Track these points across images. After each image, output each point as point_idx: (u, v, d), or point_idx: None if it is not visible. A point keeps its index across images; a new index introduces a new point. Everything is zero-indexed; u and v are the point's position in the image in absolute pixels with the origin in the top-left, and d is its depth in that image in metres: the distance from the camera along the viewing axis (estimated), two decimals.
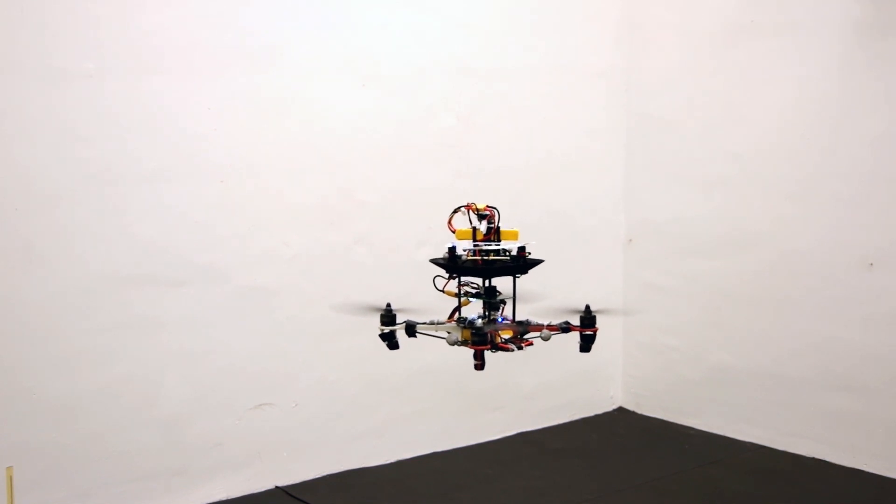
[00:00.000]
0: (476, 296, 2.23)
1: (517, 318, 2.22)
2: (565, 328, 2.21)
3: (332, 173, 3.85)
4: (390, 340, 2.28)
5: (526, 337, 2.21)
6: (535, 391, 4.55)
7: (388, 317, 2.29)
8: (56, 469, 3.29)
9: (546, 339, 2.20)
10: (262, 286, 3.70)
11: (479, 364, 2.20)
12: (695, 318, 4.54)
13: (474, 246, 2.18)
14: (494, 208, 2.20)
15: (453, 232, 2.22)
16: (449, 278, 2.25)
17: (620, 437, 4.49)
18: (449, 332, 2.22)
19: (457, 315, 2.25)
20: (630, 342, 4.86)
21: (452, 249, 2.15)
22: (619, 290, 4.84)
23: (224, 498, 3.65)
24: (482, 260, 2.15)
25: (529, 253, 2.20)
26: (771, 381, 4.22)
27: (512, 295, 2.22)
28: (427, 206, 4.13)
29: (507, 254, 2.18)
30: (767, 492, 3.73)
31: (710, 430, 4.45)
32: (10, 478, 2.98)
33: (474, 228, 2.19)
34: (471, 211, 2.20)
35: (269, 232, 3.71)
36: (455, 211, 2.20)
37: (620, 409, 4.87)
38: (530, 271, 2.28)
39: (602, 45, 4.66)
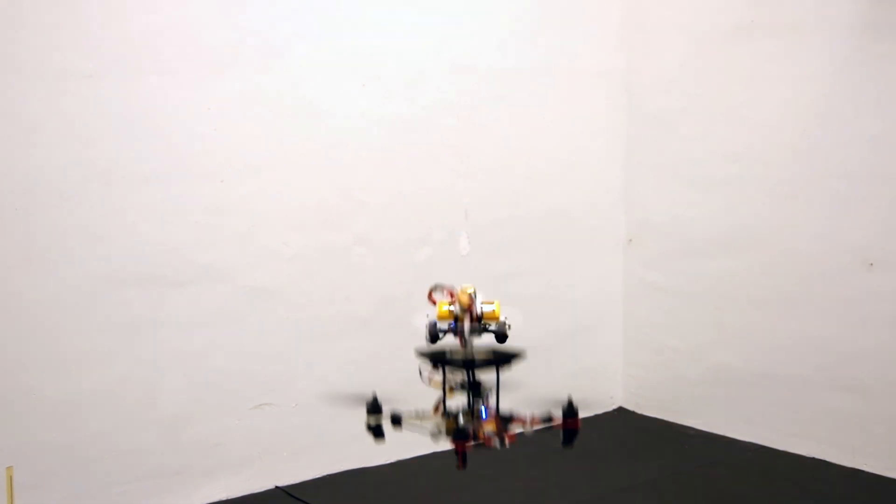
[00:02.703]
0: (461, 386, 2.23)
1: (500, 409, 2.20)
2: (548, 419, 2.21)
3: (332, 173, 3.85)
4: (376, 431, 2.28)
5: (509, 431, 2.20)
6: (535, 391, 4.55)
7: (374, 407, 2.29)
8: (56, 469, 3.29)
9: (529, 433, 2.21)
10: (263, 286, 3.70)
11: (462, 464, 2.17)
12: (695, 318, 4.54)
13: (457, 329, 2.17)
14: (472, 296, 2.20)
15: (433, 303, 2.23)
16: (433, 368, 2.25)
17: (620, 437, 4.49)
18: (437, 429, 2.21)
19: (441, 406, 2.24)
20: (630, 342, 4.86)
21: (434, 326, 2.15)
22: (619, 290, 4.84)
23: (224, 498, 3.65)
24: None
25: (509, 327, 2.18)
26: (771, 381, 4.22)
27: (496, 386, 2.21)
28: (427, 206, 4.13)
29: (488, 329, 2.17)
30: (767, 492, 3.73)
31: (710, 430, 4.45)
32: (10, 478, 2.98)
33: (456, 317, 2.17)
34: (451, 297, 2.20)
35: (269, 232, 3.71)
36: (434, 289, 2.20)
37: (620, 409, 4.86)
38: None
39: (602, 45, 4.66)
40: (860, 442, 3.91)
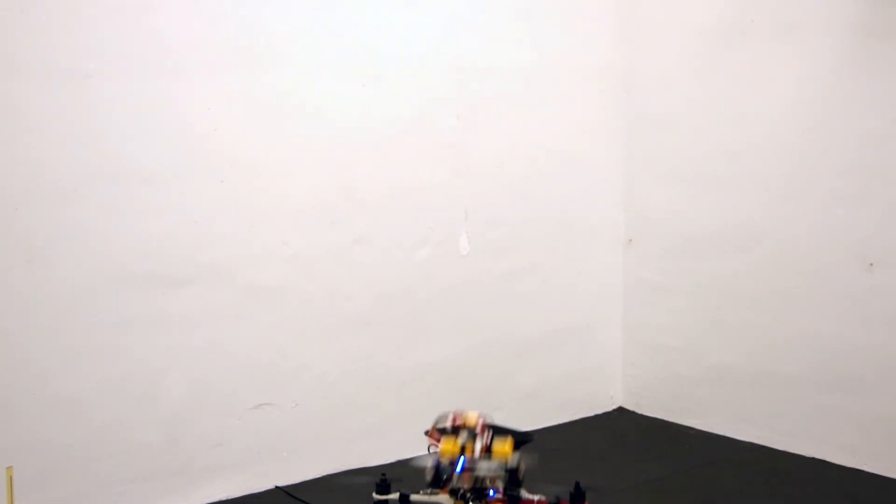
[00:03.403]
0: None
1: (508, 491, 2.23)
2: (555, 502, 2.23)
3: (332, 173, 3.85)
4: None
5: None
6: (535, 391, 4.55)
7: (382, 486, 2.34)
8: (56, 469, 3.29)
9: None
10: (262, 286, 3.70)
11: None
12: (695, 318, 4.53)
13: (466, 465, 2.15)
14: (487, 419, 2.17)
15: (437, 441, 2.22)
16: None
17: (620, 437, 4.49)
18: None
19: (449, 486, 2.23)
20: (630, 342, 4.86)
21: (437, 468, 2.17)
22: (619, 289, 4.84)
23: (224, 498, 3.65)
24: (472, 489, 2.14)
25: (523, 477, 2.18)
26: (771, 380, 4.22)
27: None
28: (427, 206, 4.13)
29: (498, 474, 2.17)
30: (767, 492, 3.73)
31: (710, 430, 4.45)
32: (10, 478, 2.98)
33: (463, 447, 2.16)
34: (458, 423, 2.18)
35: (269, 232, 3.71)
36: (440, 422, 2.19)
37: (620, 409, 4.86)
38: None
39: (602, 44, 4.67)
40: (860, 442, 3.91)
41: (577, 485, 2.28)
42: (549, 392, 4.60)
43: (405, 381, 4.10)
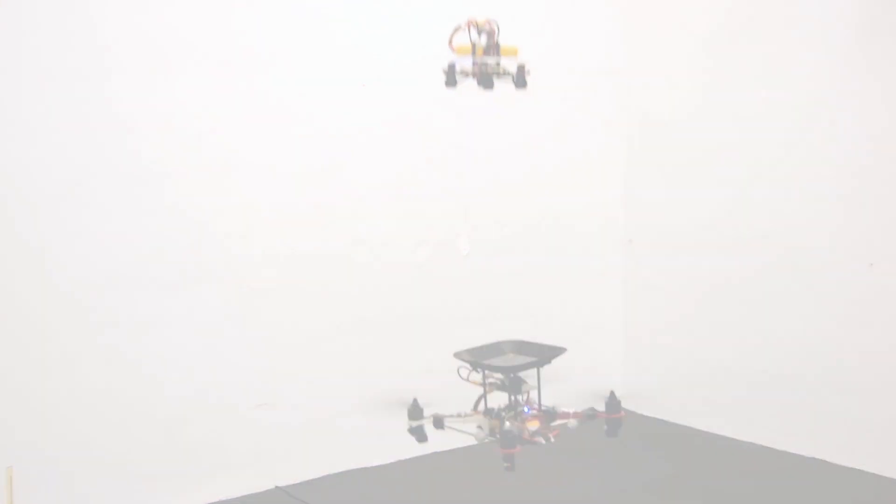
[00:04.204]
0: (500, 387, 2.24)
1: (543, 405, 2.20)
2: (591, 415, 2.22)
3: (332, 173, 3.85)
4: (419, 434, 2.29)
5: (553, 426, 2.18)
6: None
7: (415, 411, 2.30)
8: (56, 469, 3.29)
9: (572, 427, 2.21)
10: (262, 286, 3.70)
11: (510, 466, 2.16)
12: (695, 318, 4.53)
13: (475, 61, 2.17)
14: (495, 23, 2.20)
15: (454, 51, 2.24)
16: (472, 370, 2.24)
17: (620, 437, 4.48)
18: (479, 427, 2.22)
19: (482, 405, 2.21)
20: (630, 342, 4.85)
21: (452, 67, 2.18)
22: (620, 290, 4.84)
23: (224, 498, 3.65)
24: (480, 74, 2.17)
25: (528, 72, 2.23)
26: (771, 381, 4.22)
27: (537, 385, 2.25)
28: (427, 206, 4.13)
29: (506, 70, 2.17)
30: (767, 492, 3.73)
31: (710, 430, 4.45)
32: (10, 478, 2.98)
33: (474, 44, 2.17)
34: (471, 27, 2.21)
35: (269, 232, 3.71)
36: (456, 29, 2.22)
37: None
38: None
39: (603, 45, 4.67)
40: (860, 442, 3.91)
41: (612, 394, 2.29)
42: (549, 392, 4.58)
43: (405, 381, 4.09)
